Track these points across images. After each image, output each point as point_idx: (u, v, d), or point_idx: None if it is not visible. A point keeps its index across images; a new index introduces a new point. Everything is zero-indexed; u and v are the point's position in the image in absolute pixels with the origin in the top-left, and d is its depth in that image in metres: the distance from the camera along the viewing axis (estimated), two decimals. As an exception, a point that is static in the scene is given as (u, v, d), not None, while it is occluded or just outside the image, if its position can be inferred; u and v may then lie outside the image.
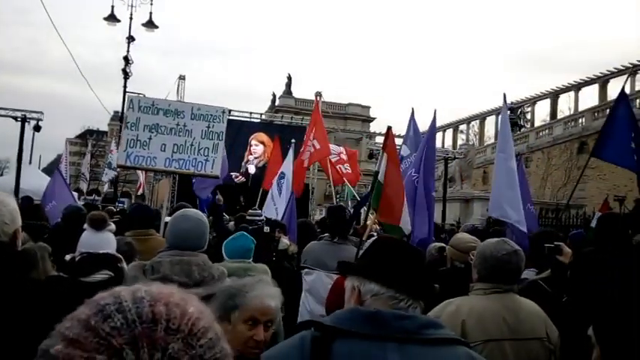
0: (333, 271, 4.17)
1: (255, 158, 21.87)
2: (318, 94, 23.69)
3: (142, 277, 2.50)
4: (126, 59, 22.15)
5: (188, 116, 5.49)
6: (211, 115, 5.54)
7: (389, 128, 4.84)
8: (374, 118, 50.83)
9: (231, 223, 8.26)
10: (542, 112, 44.42)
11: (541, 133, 34.30)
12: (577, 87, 36.87)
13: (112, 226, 3.08)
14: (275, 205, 8.69)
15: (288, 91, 50.40)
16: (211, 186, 9.88)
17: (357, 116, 48.54)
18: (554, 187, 28.78)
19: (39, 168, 28.75)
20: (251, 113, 23.60)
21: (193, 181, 10.84)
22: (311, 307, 4.19)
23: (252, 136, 21.49)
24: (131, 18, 21.94)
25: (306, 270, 4.37)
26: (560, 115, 36.93)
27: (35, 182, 17.01)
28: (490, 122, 48.35)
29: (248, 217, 8.74)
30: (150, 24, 22.24)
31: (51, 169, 17.80)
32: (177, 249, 2.62)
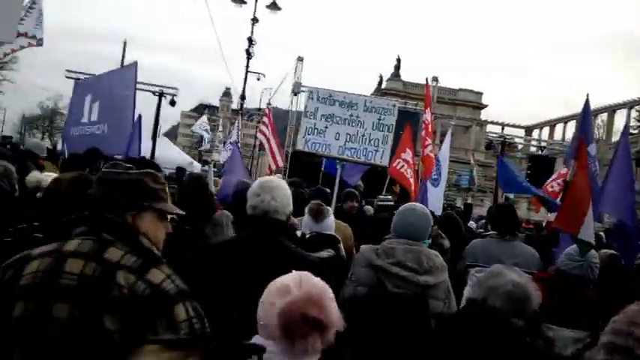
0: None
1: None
2: (435, 79, 23.53)
3: (376, 258, 2.88)
4: (249, 40, 23.17)
5: (361, 108, 5.93)
6: (383, 108, 5.96)
7: (580, 139, 4.70)
8: (486, 105, 48.83)
9: (368, 207, 8.56)
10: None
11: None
12: None
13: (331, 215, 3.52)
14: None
15: (396, 74, 49.69)
16: (359, 173, 10.11)
17: (468, 103, 46.79)
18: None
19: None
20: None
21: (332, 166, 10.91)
22: None
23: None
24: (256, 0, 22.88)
25: (478, 268, 4.30)
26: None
27: (168, 152, 18.56)
28: (620, 115, 44.48)
29: (379, 203, 8.92)
30: (273, 6, 23.07)
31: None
32: (406, 238, 2.95)
